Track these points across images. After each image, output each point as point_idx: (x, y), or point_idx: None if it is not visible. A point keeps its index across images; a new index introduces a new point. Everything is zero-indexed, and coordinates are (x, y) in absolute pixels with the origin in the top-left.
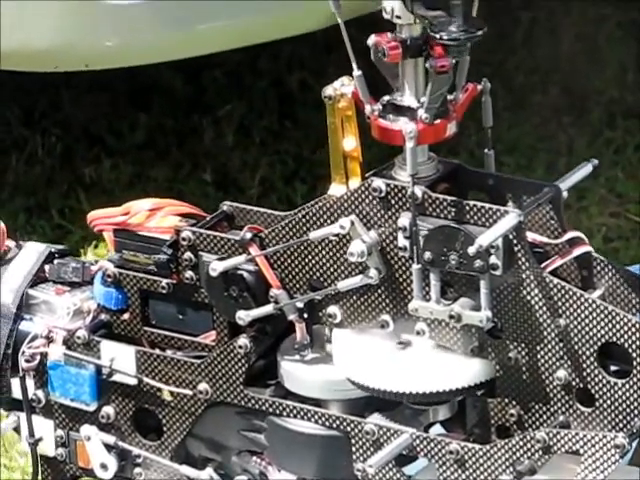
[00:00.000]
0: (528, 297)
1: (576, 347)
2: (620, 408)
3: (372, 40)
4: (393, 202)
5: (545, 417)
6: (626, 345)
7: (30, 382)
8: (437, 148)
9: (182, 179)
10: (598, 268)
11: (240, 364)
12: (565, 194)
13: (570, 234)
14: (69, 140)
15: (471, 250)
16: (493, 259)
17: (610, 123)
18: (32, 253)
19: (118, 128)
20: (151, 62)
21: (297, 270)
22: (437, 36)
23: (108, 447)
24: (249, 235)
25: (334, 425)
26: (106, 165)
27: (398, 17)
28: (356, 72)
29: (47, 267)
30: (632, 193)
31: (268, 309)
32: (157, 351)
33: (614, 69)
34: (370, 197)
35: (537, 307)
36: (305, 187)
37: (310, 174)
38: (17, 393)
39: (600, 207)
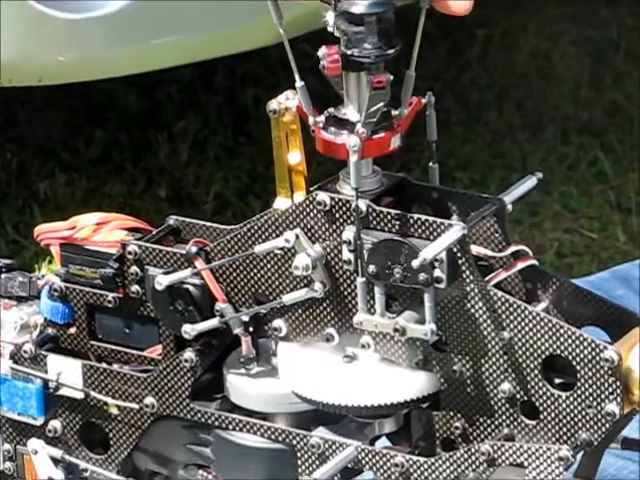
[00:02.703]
0: (472, 310)
1: (520, 360)
2: (564, 421)
3: (322, 51)
4: (337, 216)
5: (490, 430)
6: (570, 357)
7: None
8: (389, 163)
9: (137, 194)
10: (542, 281)
11: (186, 378)
12: (509, 207)
13: (514, 247)
14: (24, 155)
15: (415, 263)
16: (437, 272)
17: (564, 139)
18: None
19: (73, 144)
20: (105, 77)
21: (242, 284)
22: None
23: (55, 461)
24: (194, 249)
25: (280, 438)
26: (61, 180)
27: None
28: (298, 83)
29: None
30: (585, 209)
31: (214, 323)
32: (104, 365)
33: (569, 85)
34: (315, 211)
35: (481, 320)
36: (259, 202)
37: (264, 189)
38: None
39: (554, 223)
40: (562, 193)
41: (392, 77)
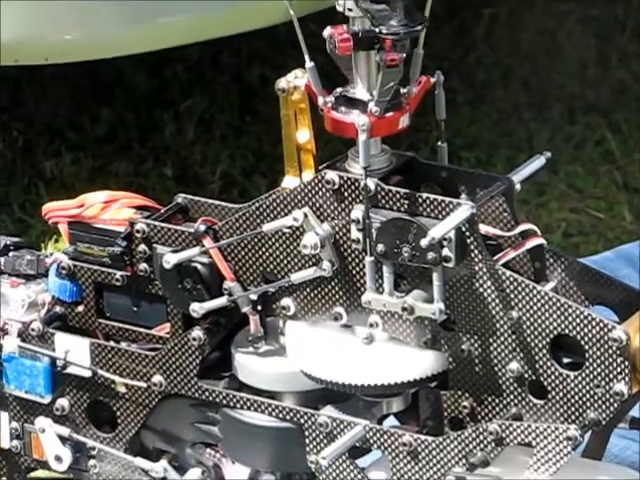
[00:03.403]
0: (481, 289)
1: (528, 339)
2: (572, 400)
3: (327, 32)
4: (346, 194)
5: (498, 409)
6: (578, 337)
7: None
8: (398, 142)
9: (143, 173)
10: (551, 260)
11: (194, 356)
12: (518, 187)
13: (523, 226)
14: (30, 134)
15: (423, 242)
16: (445, 251)
17: (570, 118)
18: None
19: (79, 122)
20: (111, 56)
21: (251, 262)
22: (376, 30)
23: (62, 439)
24: (203, 227)
25: (287, 417)
26: (67, 159)
27: (350, 10)
28: (308, 64)
29: (2, 259)
30: (592, 188)
31: (222, 301)
32: (111, 343)
33: (574, 65)
34: (323, 189)
35: (490, 299)
36: (266, 181)
37: (270, 168)
38: None
39: (560, 202)
40: (568, 173)
41: (404, 56)
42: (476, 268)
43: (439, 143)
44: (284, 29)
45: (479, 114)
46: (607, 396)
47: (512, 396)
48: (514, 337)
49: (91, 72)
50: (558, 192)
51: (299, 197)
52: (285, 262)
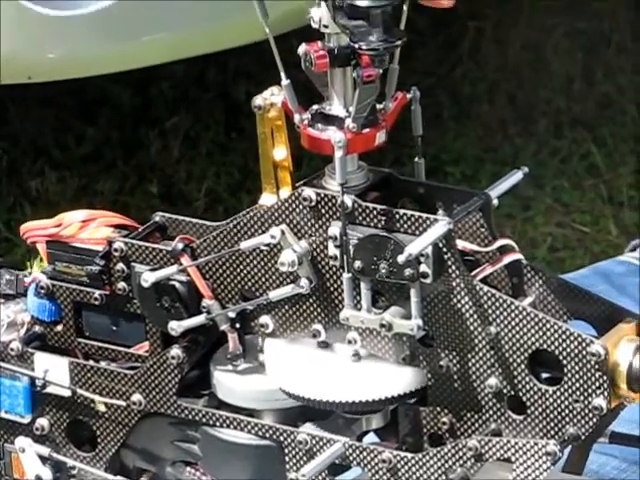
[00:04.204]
0: (459, 305)
1: (507, 354)
2: (552, 415)
3: (302, 49)
4: (323, 211)
5: (477, 425)
6: (557, 352)
7: None
8: (382, 158)
9: (128, 192)
10: (528, 275)
11: (173, 374)
12: (495, 202)
13: (500, 242)
14: (15, 153)
15: (401, 258)
16: (423, 267)
17: (556, 133)
18: None
19: (64, 141)
20: (95, 74)
21: (229, 280)
22: (356, 46)
23: (43, 459)
24: (181, 246)
25: (267, 435)
26: (52, 178)
27: (325, 26)
28: (284, 81)
29: None
30: (578, 202)
31: (200, 319)
32: (91, 362)
33: (561, 79)
34: (300, 206)
35: (468, 315)
36: (251, 198)
37: (256, 185)
38: None
39: (546, 217)
40: (554, 187)
41: (381, 71)
42: (454, 284)
43: (416, 159)
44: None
45: (465, 129)
46: (586, 411)
47: (491, 412)
48: (492, 352)
49: (76, 91)
50: (544, 206)
51: (276, 214)
52: (263, 279)
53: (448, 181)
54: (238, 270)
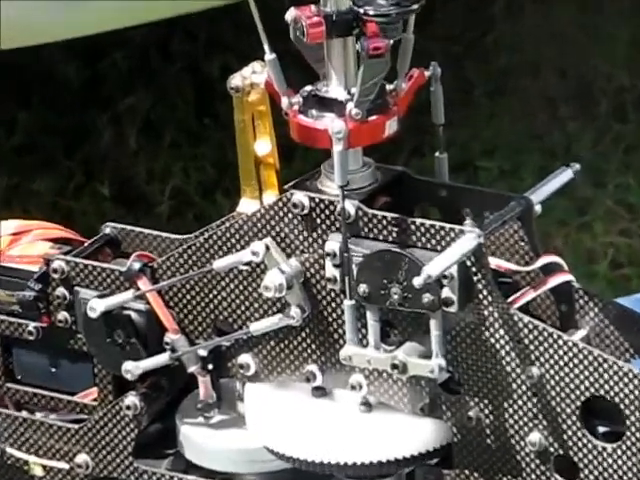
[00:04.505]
0: (492, 340)
1: (554, 403)
2: (611, 479)
3: (291, 14)
4: (319, 221)
5: None
6: (617, 399)
7: None
8: (397, 149)
9: (72, 193)
10: (581, 302)
11: (129, 429)
12: (538, 208)
13: (545, 259)
14: None
15: (418, 281)
16: (446, 292)
17: (618, 116)
18: None
19: None
20: (34, 44)
21: (199, 309)
22: (360, 11)
23: None
24: (137, 265)
25: None
26: None
27: None
28: (269, 55)
29: None
30: None
31: (163, 359)
32: (24, 414)
33: (622, 48)
34: (290, 215)
35: (503, 353)
36: (229, 201)
37: (235, 185)
38: None
39: (607, 223)
40: (617, 185)
41: (392, 42)
42: (485, 313)
43: (437, 154)
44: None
45: (502, 111)
46: None
47: (534, 475)
48: (535, 401)
49: (6, 66)
50: (604, 210)
51: (259, 225)
52: (242, 308)
53: (480, 179)
54: (211, 296)
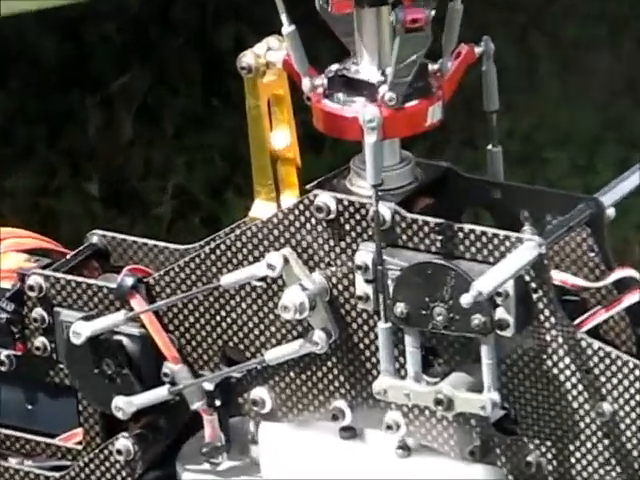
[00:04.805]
0: (555, 370)
1: (629, 445)
2: None
3: None
4: (348, 227)
5: None
6: None
7: None
8: (440, 141)
9: (54, 192)
10: None
11: (120, 477)
12: (611, 212)
13: (619, 273)
14: None
15: (466, 300)
16: (500, 313)
17: None
18: None
19: None
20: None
21: (204, 334)
22: None
23: None
24: (131, 281)
25: None
26: None
27: None
28: (287, 27)
29: None
30: None
31: (161, 394)
32: None
33: None
34: (313, 220)
35: (569, 386)
36: (242, 202)
37: (250, 182)
38: None
39: None
40: None
41: (433, 13)
42: (547, 338)
43: (490, 146)
44: None
45: (573, 93)
46: None
47: None
48: (607, 442)
49: None
50: None
51: (276, 232)
52: (256, 333)
53: (548, 173)
54: (218, 318)
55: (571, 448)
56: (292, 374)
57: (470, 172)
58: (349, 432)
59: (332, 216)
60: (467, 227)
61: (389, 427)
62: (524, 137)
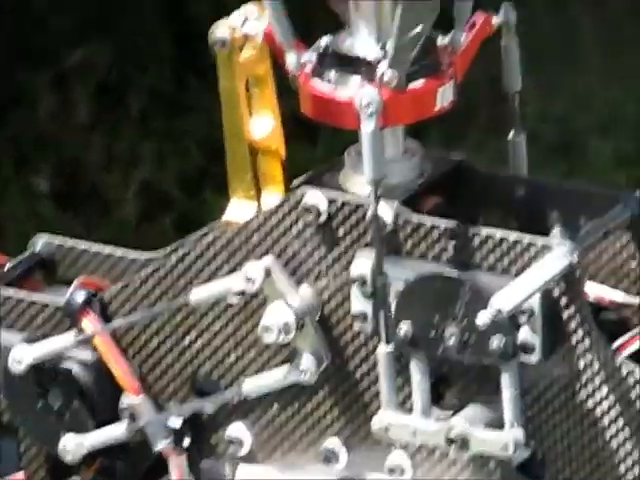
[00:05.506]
0: (590, 402)
1: None
2: None
3: None
4: (342, 232)
5: None
6: None
7: None
8: (456, 126)
9: None
10: None
11: None
12: None
13: None
14: None
15: (483, 319)
16: (524, 334)
17: None
18: None
19: None
20: None
21: (170, 360)
22: None
23: None
24: (82, 296)
25: None
26: None
27: None
28: None
29: None
30: None
31: (118, 432)
32: None
33: None
34: (300, 224)
35: (607, 421)
36: (222, 199)
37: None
38: None
39: None
40: None
41: None
42: (581, 364)
43: (511, 136)
44: None
45: (620, 70)
46: None
47: None
48: None
49: None
50: None
51: (255, 239)
52: (232, 359)
53: (588, 166)
54: (187, 341)
55: None
56: (275, 408)
57: (495, 164)
58: (345, 477)
59: (323, 218)
60: (484, 231)
61: (392, 471)
62: (559, 121)
